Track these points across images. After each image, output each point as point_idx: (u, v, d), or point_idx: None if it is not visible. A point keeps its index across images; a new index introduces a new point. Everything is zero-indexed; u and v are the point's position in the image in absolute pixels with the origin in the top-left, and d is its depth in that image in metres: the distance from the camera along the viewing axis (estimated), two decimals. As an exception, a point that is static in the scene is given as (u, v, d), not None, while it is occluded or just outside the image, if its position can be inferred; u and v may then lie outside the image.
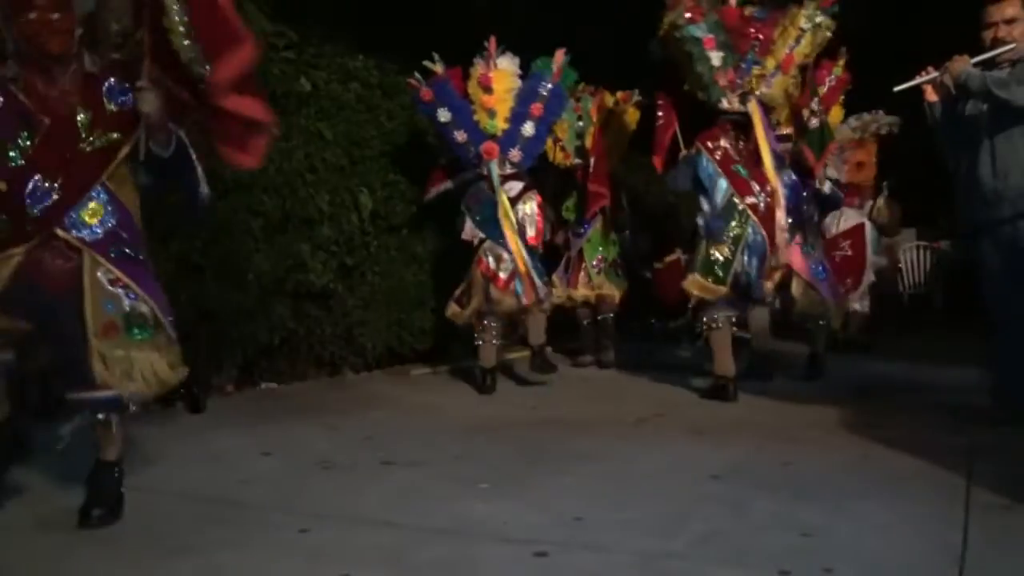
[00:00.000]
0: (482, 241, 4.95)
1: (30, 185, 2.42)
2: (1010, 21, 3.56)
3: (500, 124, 4.85)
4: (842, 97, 5.59)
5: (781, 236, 4.57)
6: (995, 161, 3.59)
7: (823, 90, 5.38)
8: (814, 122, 5.16)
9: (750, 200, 4.60)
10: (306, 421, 4.08)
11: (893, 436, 3.73)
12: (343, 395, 4.95)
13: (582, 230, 6.04)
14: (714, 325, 4.62)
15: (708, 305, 4.62)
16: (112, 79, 2.53)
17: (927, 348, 6.50)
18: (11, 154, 2.42)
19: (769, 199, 4.62)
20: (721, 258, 4.57)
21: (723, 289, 4.56)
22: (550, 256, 5.92)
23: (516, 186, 5.00)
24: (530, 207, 5.07)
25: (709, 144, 4.69)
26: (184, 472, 3.09)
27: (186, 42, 2.38)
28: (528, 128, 4.89)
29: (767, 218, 4.60)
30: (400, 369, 5.80)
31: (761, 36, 4.55)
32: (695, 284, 4.58)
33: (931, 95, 3.80)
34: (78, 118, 2.47)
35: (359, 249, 5.47)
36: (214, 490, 2.89)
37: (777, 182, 4.59)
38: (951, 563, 2.17)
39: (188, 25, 2.37)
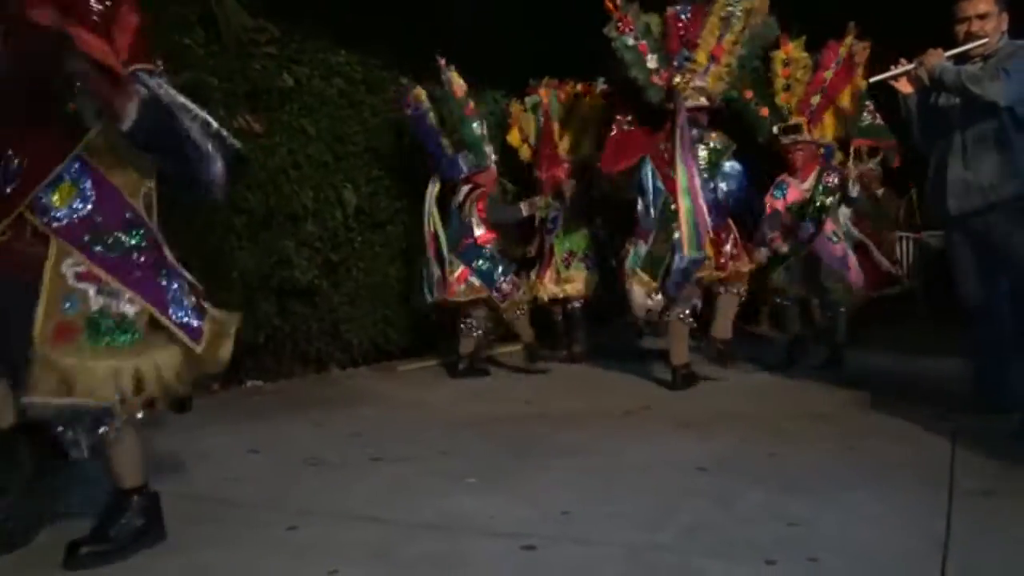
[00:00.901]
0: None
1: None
2: (983, 16, 3.60)
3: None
4: (861, 70, 5.42)
5: (687, 230, 4.62)
6: (966, 153, 3.63)
7: (830, 74, 5.39)
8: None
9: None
10: (293, 418, 4.07)
11: (878, 426, 3.76)
12: (329, 392, 4.94)
13: (551, 226, 6.06)
14: (671, 317, 4.78)
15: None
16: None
17: (910, 338, 6.54)
18: None
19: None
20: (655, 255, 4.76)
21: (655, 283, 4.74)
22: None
23: (463, 190, 5.34)
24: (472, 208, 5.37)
25: (657, 148, 4.82)
26: (171, 471, 3.08)
27: None
28: (430, 147, 5.43)
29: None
30: (386, 365, 5.80)
31: (686, 33, 4.71)
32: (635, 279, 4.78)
33: (905, 87, 3.83)
34: (58, 88, 2.10)
35: (344, 245, 5.46)
36: (201, 488, 2.88)
37: (683, 175, 4.63)
38: (935, 550, 2.19)
39: None
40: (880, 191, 7.18)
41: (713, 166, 4.91)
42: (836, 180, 5.32)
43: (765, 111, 5.43)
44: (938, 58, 3.59)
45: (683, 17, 4.72)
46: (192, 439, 3.55)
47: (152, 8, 3.87)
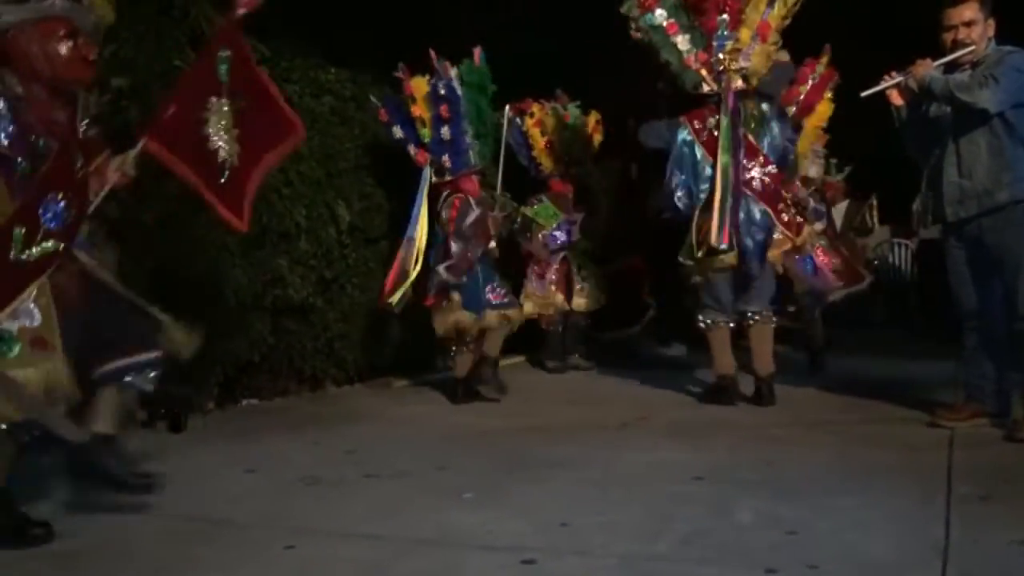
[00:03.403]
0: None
1: (44, 204, 2.46)
2: (969, 23, 3.63)
3: (428, 131, 4.93)
4: (829, 93, 5.59)
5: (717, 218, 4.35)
6: (960, 161, 3.67)
7: (805, 88, 5.44)
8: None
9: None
10: (289, 437, 4.05)
11: (873, 432, 3.77)
12: (325, 409, 4.93)
13: (564, 239, 6.07)
14: (708, 324, 4.58)
15: (704, 308, 4.61)
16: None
17: (903, 343, 6.57)
18: (25, 171, 2.46)
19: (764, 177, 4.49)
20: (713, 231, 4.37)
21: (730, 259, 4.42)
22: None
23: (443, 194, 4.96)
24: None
25: (696, 124, 4.54)
26: (166, 491, 3.06)
27: None
28: (445, 132, 4.88)
29: (764, 195, 4.51)
30: (381, 381, 5.78)
31: (727, 7, 4.31)
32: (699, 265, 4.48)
33: (896, 99, 3.86)
34: (74, 146, 2.55)
35: (338, 262, 5.45)
36: (197, 508, 2.86)
37: (730, 164, 4.39)
38: (935, 556, 2.19)
39: None
40: (845, 202, 7.30)
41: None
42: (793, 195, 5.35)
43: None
44: (927, 68, 3.63)
45: None
46: (187, 458, 3.54)
47: (143, 28, 3.91)
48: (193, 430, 4.19)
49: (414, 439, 3.99)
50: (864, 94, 3.83)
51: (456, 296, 4.79)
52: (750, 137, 4.51)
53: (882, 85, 3.81)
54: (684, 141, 4.54)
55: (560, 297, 6.15)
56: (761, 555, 2.23)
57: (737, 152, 4.42)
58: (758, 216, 4.51)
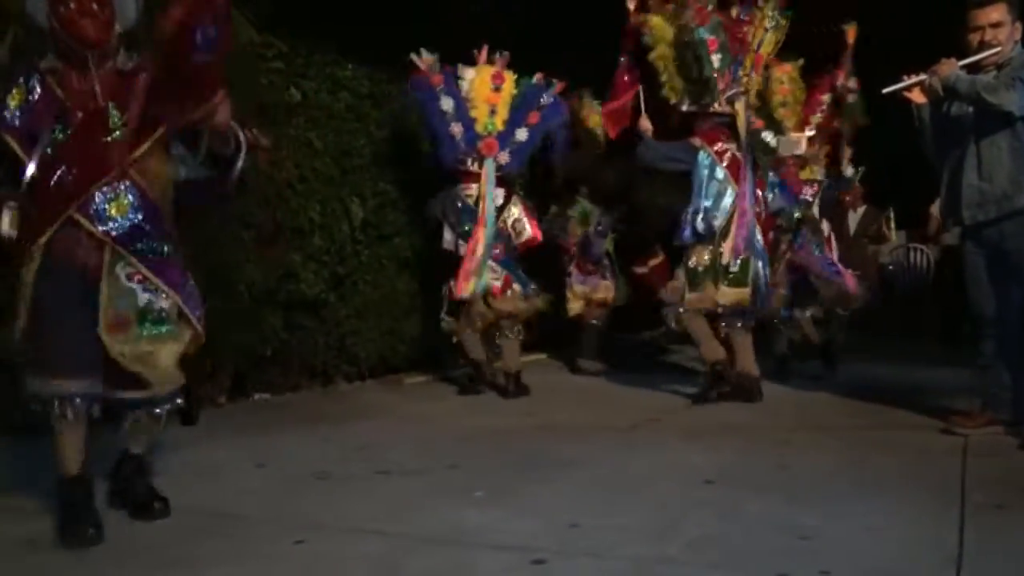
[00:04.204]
0: None
1: (56, 175, 2.45)
2: (996, 25, 3.59)
3: (499, 124, 4.94)
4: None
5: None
6: (980, 163, 3.62)
7: (828, 97, 5.65)
8: (851, 97, 5.45)
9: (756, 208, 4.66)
10: (300, 432, 4.06)
11: (886, 437, 3.75)
12: (336, 405, 4.94)
13: (600, 228, 6.06)
14: (684, 312, 4.66)
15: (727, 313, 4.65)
16: (143, 76, 2.54)
17: (919, 349, 6.52)
18: (49, 144, 2.46)
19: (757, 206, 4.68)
20: (737, 264, 4.58)
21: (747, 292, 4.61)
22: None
23: (499, 193, 5.04)
24: (517, 211, 5.16)
25: (716, 148, 4.65)
26: (177, 485, 3.06)
27: None
28: (522, 134, 4.97)
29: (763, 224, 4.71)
30: (393, 378, 5.79)
31: (742, 37, 4.56)
32: (726, 295, 4.59)
33: (918, 97, 3.82)
34: (108, 112, 2.50)
35: (350, 258, 5.47)
36: (208, 502, 2.87)
37: (747, 186, 4.59)
38: (948, 564, 2.17)
39: None
40: (862, 207, 7.29)
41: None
42: (811, 194, 5.49)
43: (760, 123, 5.44)
44: (951, 68, 3.58)
45: (743, 17, 4.56)
46: (199, 453, 3.55)
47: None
48: (205, 424, 4.21)
49: (425, 436, 3.99)
50: (885, 91, 3.79)
51: (517, 287, 5.05)
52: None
53: (904, 83, 3.78)
54: (705, 164, 4.61)
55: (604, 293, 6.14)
56: (772, 560, 2.21)
57: (754, 177, 4.59)
58: (759, 246, 4.69)
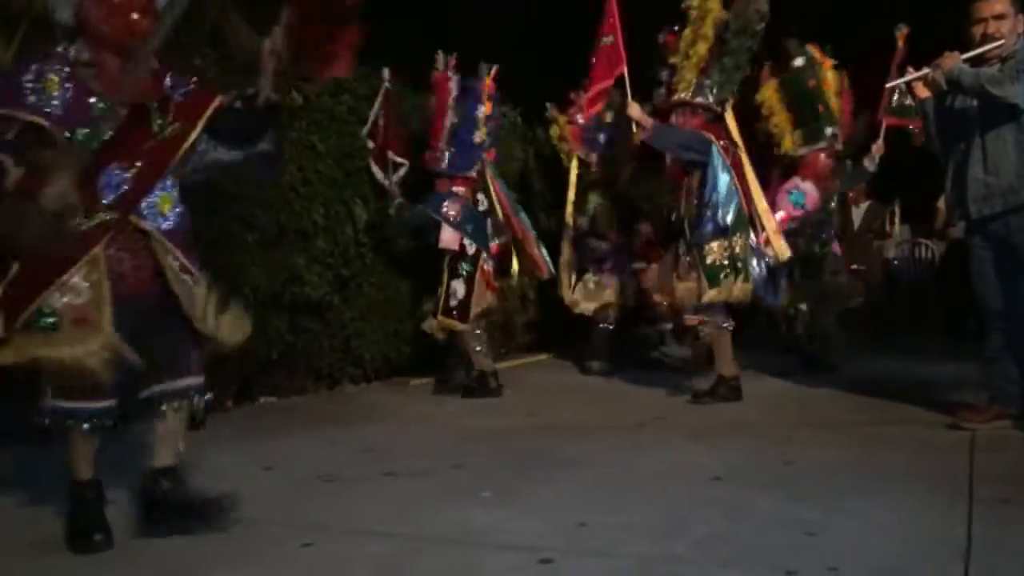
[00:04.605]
0: (478, 251, 5.11)
1: (105, 173, 2.41)
2: (999, 17, 3.57)
3: (484, 132, 5.17)
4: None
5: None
6: (986, 157, 3.60)
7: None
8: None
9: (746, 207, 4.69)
10: (306, 435, 4.07)
11: (892, 433, 3.74)
12: (342, 407, 4.94)
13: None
14: (721, 326, 4.64)
15: (708, 308, 4.62)
16: (171, 74, 2.56)
17: (924, 344, 6.51)
18: (84, 140, 2.39)
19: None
20: (740, 258, 4.59)
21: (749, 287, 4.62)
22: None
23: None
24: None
25: (721, 142, 4.63)
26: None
27: None
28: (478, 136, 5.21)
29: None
30: (398, 380, 5.79)
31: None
32: (742, 290, 4.59)
33: (921, 91, 3.81)
34: (151, 111, 2.49)
35: (355, 260, 5.47)
36: (215, 506, 2.87)
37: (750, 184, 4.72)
38: (956, 559, 2.17)
39: None
40: (866, 203, 7.28)
41: None
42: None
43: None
44: (954, 61, 3.57)
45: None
46: (205, 456, 3.53)
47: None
48: (211, 427, 4.19)
49: (431, 438, 3.99)
50: (889, 85, 3.80)
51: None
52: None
53: (908, 77, 3.77)
54: (718, 157, 4.58)
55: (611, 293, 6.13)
56: (780, 556, 2.21)
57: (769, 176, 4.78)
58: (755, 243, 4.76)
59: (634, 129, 4.91)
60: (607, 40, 5.09)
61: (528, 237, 5.47)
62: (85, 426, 2.43)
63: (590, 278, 6.09)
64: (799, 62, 5.34)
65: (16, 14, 3.16)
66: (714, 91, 4.59)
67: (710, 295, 4.56)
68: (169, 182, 2.56)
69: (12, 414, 3.05)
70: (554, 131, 6.21)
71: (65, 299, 2.35)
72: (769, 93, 5.43)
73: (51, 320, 2.33)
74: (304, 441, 3.92)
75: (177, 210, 2.58)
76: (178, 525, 2.53)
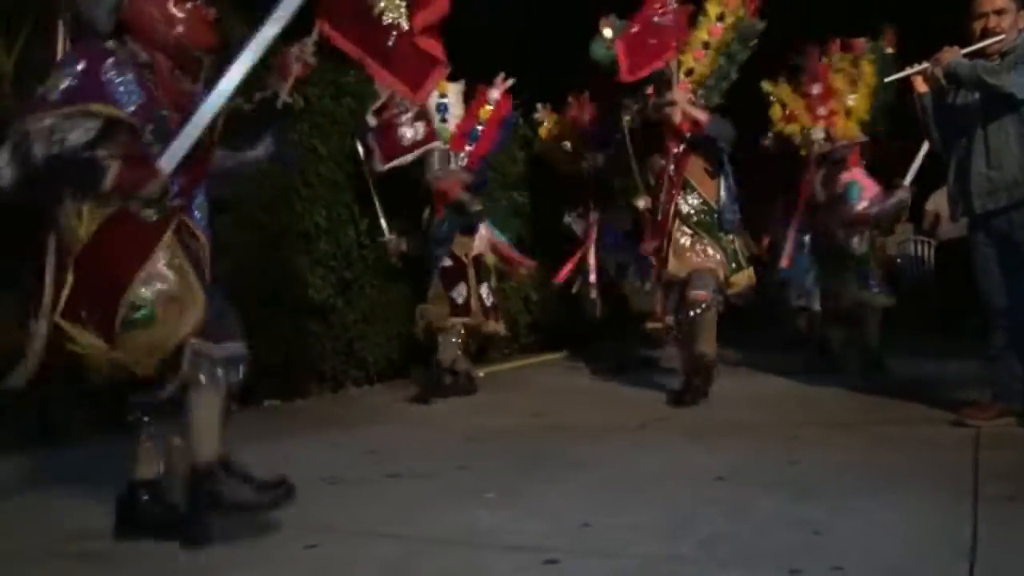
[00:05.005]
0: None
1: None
2: (1000, 12, 3.58)
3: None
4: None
5: None
6: (989, 152, 3.60)
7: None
8: None
9: None
10: (309, 437, 4.07)
11: (896, 432, 3.74)
12: (346, 410, 4.94)
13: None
14: (713, 306, 4.70)
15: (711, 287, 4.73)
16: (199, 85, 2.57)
17: (926, 342, 6.50)
18: (149, 140, 2.39)
19: None
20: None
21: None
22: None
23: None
24: None
25: None
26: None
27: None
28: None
29: None
30: (401, 382, 5.79)
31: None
32: (746, 277, 4.79)
33: (920, 86, 3.81)
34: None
35: (357, 263, 5.48)
36: (220, 509, 2.87)
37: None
38: (961, 558, 2.16)
39: None
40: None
41: None
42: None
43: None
44: (954, 54, 3.57)
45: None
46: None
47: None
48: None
49: (435, 439, 3.99)
50: (888, 79, 3.79)
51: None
52: None
53: (906, 71, 3.77)
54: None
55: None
56: (784, 556, 2.21)
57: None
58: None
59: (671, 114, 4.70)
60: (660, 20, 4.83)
61: (498, 243, 5.45)
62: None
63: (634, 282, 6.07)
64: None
65: (17, 17, 3.15)
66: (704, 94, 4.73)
67: (736, 278, 4.74)
68: (204, 188, 2.57)
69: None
70: (542, 131, 6.23)
71: (154, 288, 2.32)
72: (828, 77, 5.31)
73: (144, 312, 2.30)
74: (308, 443, 3.93)
75: (208, 217, 2.61)
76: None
